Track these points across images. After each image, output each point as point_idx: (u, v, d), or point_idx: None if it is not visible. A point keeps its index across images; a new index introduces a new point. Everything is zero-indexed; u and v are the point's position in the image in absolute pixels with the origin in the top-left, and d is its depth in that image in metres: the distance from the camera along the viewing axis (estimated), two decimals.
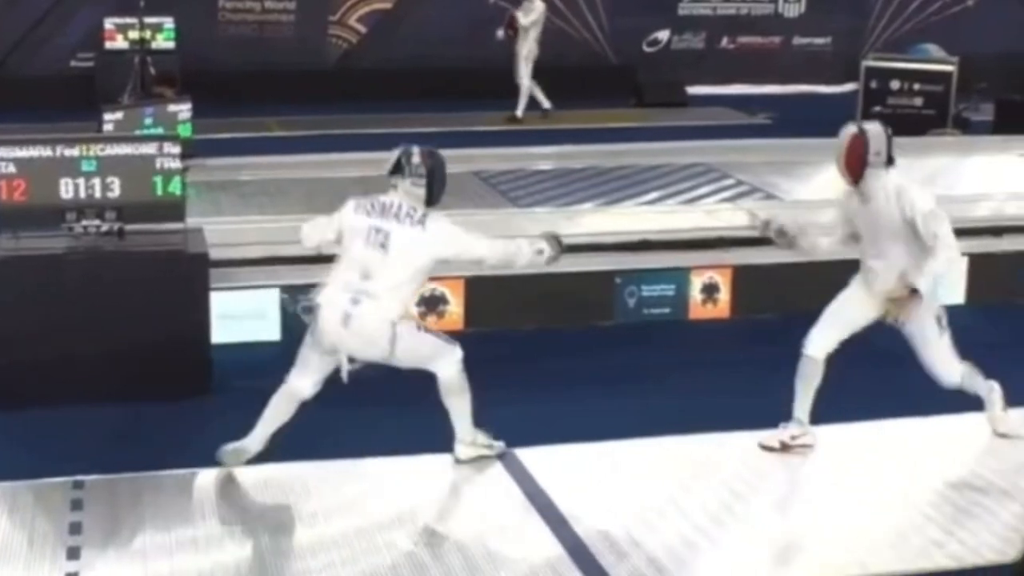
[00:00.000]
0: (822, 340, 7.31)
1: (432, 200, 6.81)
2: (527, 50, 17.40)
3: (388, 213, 6.73)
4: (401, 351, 6.76)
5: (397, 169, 6.81)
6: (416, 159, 6.79)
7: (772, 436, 7.36)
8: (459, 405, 6.96)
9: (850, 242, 7.38)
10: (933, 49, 17.94)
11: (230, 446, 6.95)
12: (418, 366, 6.91)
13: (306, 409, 7.27)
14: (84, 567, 5.98)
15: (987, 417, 7.48)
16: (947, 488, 6.92)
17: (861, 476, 7.10)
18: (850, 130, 7.14)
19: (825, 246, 7.53)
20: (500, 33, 17.64)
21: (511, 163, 13.07)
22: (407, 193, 6.77)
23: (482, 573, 5.97)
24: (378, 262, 6.67)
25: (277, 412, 6.95)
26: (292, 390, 6.94)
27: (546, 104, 17.63)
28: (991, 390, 7.43)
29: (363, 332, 6.69)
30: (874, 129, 7.11)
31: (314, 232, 7.08)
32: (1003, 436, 7.49)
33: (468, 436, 7.05)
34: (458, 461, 7.07)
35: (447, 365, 6.88)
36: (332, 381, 7.12)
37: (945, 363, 7.22)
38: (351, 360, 6.80)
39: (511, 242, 7.01)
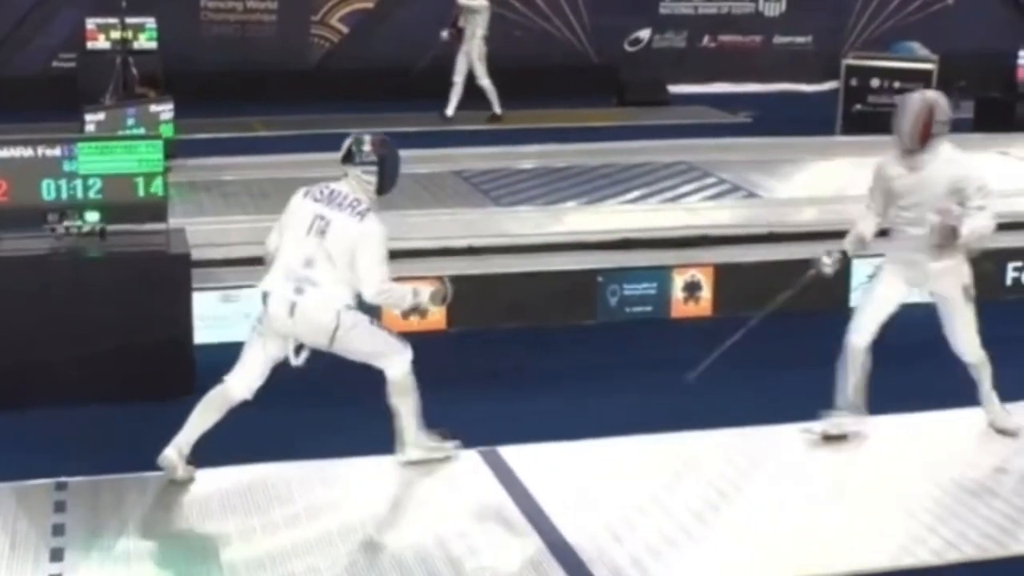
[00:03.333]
0: (859, 325, 7.39)
1: (382, 189, 6.77)
2: (478, 50, 17.24)
3: (333, 201, 6.71)
4: (348, 341, 6.70)
5: (348, 157, 6.78)
6: (367, 147, 6.75)
7: (825, 425, 7.51)
8: (406, 407, 6.93)
9: (884, 214, 7.42)
10: (916, 47, 18.00)
11: (162, 459, 6.84)
12: (368, 361, 6.85)
13: (288, 410, 7.30)
14: (67, 569, 5.97)
15: (985, 410, 7.57)
16: (929, 484, 6.95)
17: (844, 473, 7.13)
18: (920, 98, 7.21)
19: (870, 231, 7.52)
20: (444, 34, 17.55)
21: (493, 162, 13.09)
22: (357, 181, 6.74)
23: (465, 571, 5.99)
24: (318, 249, 6.64)
25: (206, 414, 6.85)
26: (227, 391, 6.86)
27: (497, 109, 17.37)
28: (989, 393, 7.53)
29: (308, 320, 6.65)
30: (941, 99, 7.19)
31: (273, 234, 7.00)
32: (1001, 432, 7.57)
33: (414, 438, 7.01)
34: (404, 463, 7.02)
35: (397, 364, 6.84)
36: (312, 382, 7.13)
37: (969, 336, 7.38)
38: (299, 350, 6.76)
39: (399, 290, 6.80)
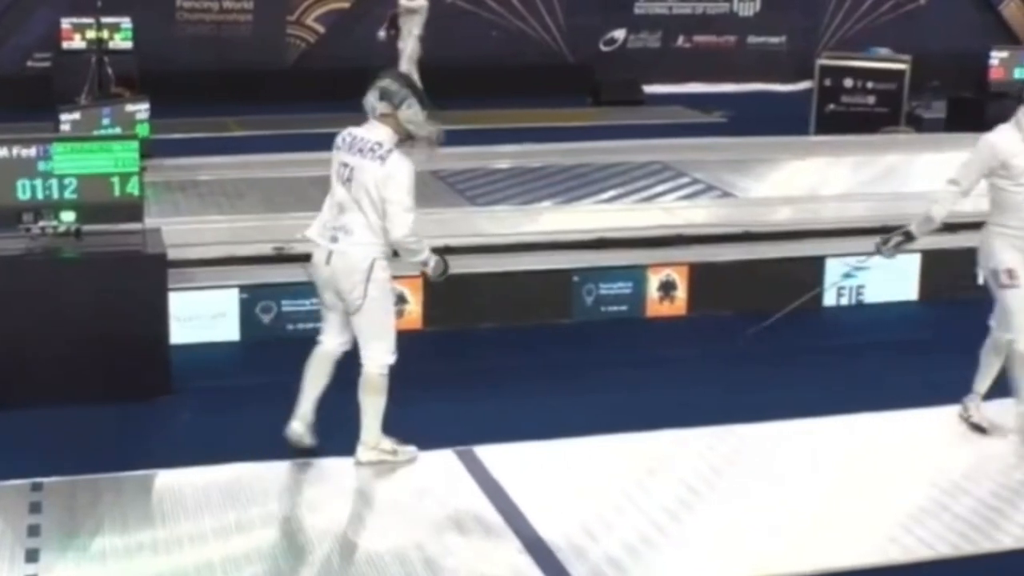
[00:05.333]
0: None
1: (425, 105, 6.82)
2: (411, 49, 17.20)
3: (355, 147, 6.79)
4: (373, 300, 6.78)
5: (383, 98, 6.81)
6: (394, 87, 6.82)
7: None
8: (372, 406, 6.95)
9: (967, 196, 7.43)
10: (884, 52, 18.14)
11: (292, 432, 7.08)
12: (364, 338, 6.90)
13: (265, 410, 7.30)
14: (43, 570, 5.95)
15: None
16: (903, 483, 6.99)
17: (818, 471, 7.16)
18: None
19: (944, 213, 7.51)
20: (381, 33, 17.51)
21: (469, 162, 13.08)
22: (382, 123, 6.80)
23: (441, 571, 6.00)
24: (347, 198, 6.74)
25: (315, 376, 7.09)
26: (322, 350, 7.10)
27: None
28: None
29: (344, 265, 6.78)
30: None
31: None
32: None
33: (372, 440, 7.03)
34: (358, 463, 7.03)
35: (380, 358, 6.89)
36: (288, 383, 7.14)
37: None
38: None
39: (423, 240, 6.90)
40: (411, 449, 7.14)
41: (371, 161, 6.69)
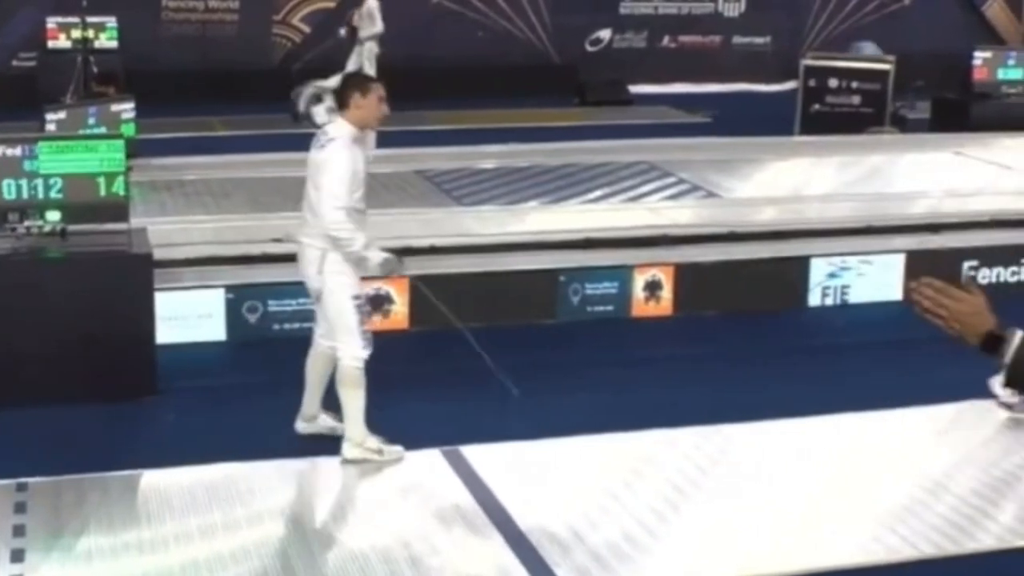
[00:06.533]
0: None
1: (341, 103, 7.02)
2: (368, 48, 17.17)
3: (316, 143, 7.02)
4: (331, 293, 6.93)
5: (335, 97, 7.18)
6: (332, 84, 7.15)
7: None
8: (351, 401, 6.99)
9: None
10: (868, 47, 18.20)
11: (298, 429, 7.24)
12: (333, 331, 7.00)
13: (252, 410, 7.31)
14: (28, 570, 5.95)
15: None
16: (887, 482, 7.02)
17: (804, 472, 7.19)
18: None
19: None
20: (341, 31, 17.49)
21: (455, 162, 13.11)
22: (331, 114, 7.06)
23: (427, 570, 6.01)
24: (307, 192, 6.99)
25: (311, 374, 7.21)
26: (314, 347, 7.23)
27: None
28: None
29: (302, 260, 7.02)
30: None
31: None
32: None
33: (358, 436, 7.04)
34: (344, 461, 7.06)
35: (349, 351, 6.95)
36: (275, 383, 7.15)
37: None
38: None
39: (355, 231, 6.85)
40: (398, 449, 7.15)
41: (317, 151, 6.91)
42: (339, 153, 6.80)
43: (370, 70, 16.72)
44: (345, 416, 7.04)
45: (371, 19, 17.12)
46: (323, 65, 16.52)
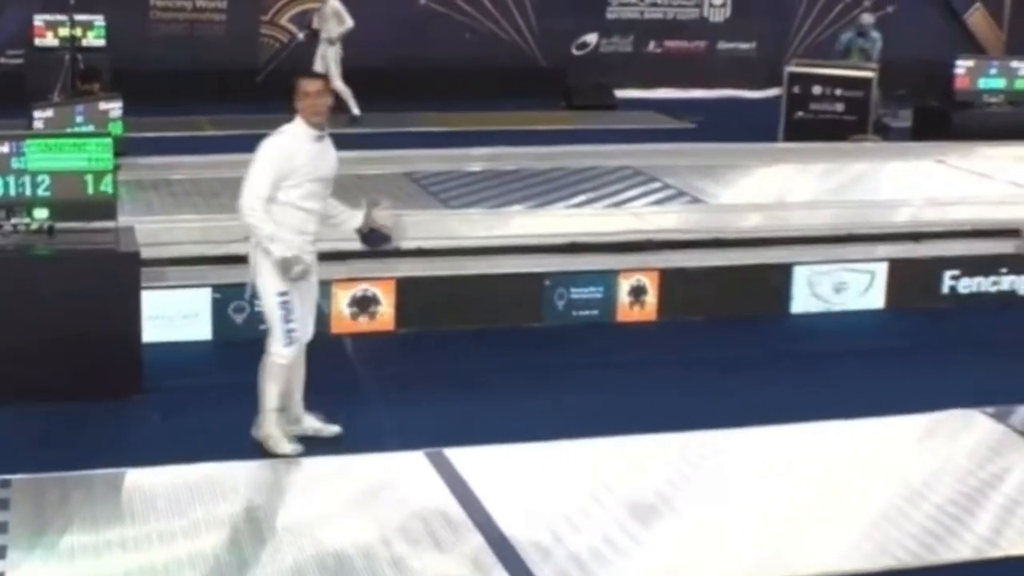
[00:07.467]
0: None
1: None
2: (333, 52, 17.18)
3: None
4: (259, 288, 7.08)
5: None
6: None
7: None
8: (266, 390, 7.13)
9: None
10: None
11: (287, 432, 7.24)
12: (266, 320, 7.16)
13: (235, 410, 7.33)
14: (10, 567, 5.96)
15: None
16: (867, 490, 7.05)
17: (785, 478, 7.22)
18: None
19: None
20: (301, 35, 17.50)
21: (442, 164, 13.12)
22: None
23: (408, 571, 6.04)
24: None
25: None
26: None
27: (355, 110, 17.12)
28: None
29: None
30: None
31: None
32: None
33: (264, 420, 7.19)
34: (253, 437, 7.23)
35: (274, 348, 7.09)
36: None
37: None
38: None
39: (264, 221, 6.90)
40: (296, 448, 7.21)
41: None
42: (271, 142, 7.08)
43: (334, 70, 16.78)
44: (260, 404, 7.16)
45: (339, 18, 17.18)
46: (293, 68, 16.50)
